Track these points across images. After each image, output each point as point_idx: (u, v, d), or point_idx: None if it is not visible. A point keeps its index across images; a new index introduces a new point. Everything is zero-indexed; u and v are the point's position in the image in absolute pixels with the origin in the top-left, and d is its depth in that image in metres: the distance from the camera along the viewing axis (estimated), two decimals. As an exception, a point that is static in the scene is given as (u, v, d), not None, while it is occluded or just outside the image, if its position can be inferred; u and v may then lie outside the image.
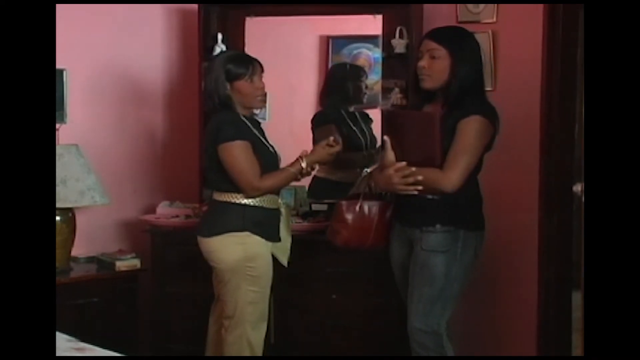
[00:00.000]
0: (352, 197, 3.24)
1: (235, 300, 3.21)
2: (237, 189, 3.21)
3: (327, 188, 3.96)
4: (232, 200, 3.22)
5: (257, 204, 3.22)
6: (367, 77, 4.12)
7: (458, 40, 3.06)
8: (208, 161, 3.28)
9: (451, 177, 2.91)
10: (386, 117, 3.27)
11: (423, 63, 3.07)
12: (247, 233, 3.20)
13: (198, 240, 3.28)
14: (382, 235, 3.23)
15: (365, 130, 4.08)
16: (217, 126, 3.20)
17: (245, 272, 3.19)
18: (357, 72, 4.14)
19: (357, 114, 4.11)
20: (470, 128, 2.93)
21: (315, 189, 4.04)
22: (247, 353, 3.24)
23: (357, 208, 3.22)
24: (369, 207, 3.22)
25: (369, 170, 3.32)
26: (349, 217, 3.23)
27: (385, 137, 3.01)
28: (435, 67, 3.04)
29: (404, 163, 2.93)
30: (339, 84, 4.12)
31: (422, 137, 2.94)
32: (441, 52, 3.02)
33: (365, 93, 4.12)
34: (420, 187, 2.92)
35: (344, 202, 3.25)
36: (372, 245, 3.24)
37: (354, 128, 4.05)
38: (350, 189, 3.31)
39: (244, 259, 3.19)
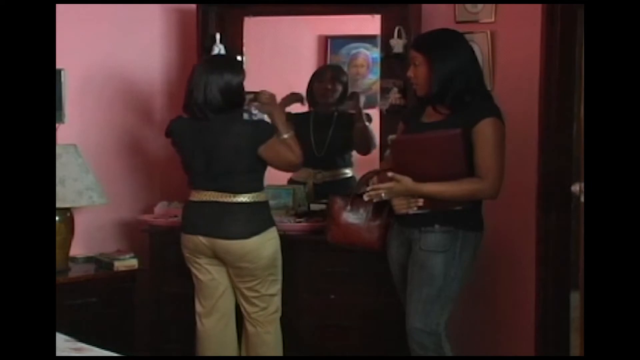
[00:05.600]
0: (348, 195, 3.24)
1: (272, 293, 3.37)
2: (262, 188, 3.36)
3: (332, 188, 3.94)
4: (261, 200, 3.33)
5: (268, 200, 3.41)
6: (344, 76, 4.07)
7: (434, 44, 3.06)
8: (240, 165, 3.27)
9: (493, 184, 2.94)
10: (395, 145, 3.05)
11: (409, 73, 3.11)
12: (274, 227, 3.37)
13: (221, 244, 3.28)
14: (374, 236, 3.20)
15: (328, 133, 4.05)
16: (256, 126, 3.34)
17: (277, 264, 3.37)
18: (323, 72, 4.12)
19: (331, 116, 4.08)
20: (489, 132, 2.94)
21: (321, 187, 4.06)
22: (281, 342, 3.41)
23: (348, 206, 3.22)
24: (361, 207, 3.21)
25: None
26: (339, 214, 3.23)
27: (390, 174, 2.96)
28: (418, 75, 3.06)
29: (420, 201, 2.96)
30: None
31: (445, 156, 2.92)
32: (419, 58, 3.05)
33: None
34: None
35: (337, 199, 3.25)
36: (365, 245, 3.23)
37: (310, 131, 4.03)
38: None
39: (276, 252, 3.36)
